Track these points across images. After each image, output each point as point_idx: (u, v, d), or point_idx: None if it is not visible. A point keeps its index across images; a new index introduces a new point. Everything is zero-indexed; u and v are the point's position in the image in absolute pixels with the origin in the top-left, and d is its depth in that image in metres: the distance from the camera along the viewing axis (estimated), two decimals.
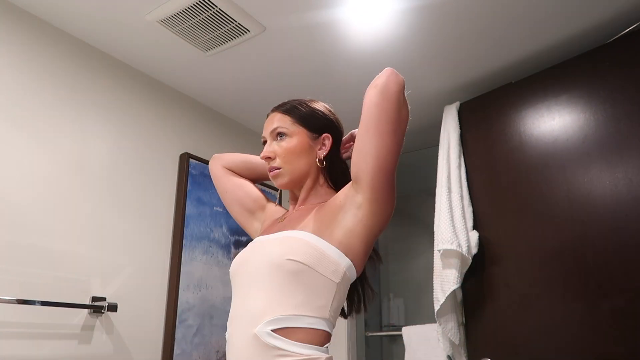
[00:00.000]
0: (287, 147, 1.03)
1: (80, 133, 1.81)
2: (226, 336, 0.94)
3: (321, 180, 1.07)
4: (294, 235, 0.91)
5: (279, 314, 0.84)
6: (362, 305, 1.02)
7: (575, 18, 1.77)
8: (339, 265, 0.88)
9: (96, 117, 1.88)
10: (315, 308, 0.85)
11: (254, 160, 1.22)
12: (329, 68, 2.08)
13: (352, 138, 1.11)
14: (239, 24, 1.77)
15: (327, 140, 1.06)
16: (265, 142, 1.09)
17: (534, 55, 1.99)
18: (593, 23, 1.79)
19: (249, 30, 1.81)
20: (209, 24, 1.77)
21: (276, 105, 1.11)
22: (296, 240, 0.90)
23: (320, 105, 1.11)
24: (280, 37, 1.87)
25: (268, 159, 1.05)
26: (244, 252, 1.00)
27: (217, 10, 1.69)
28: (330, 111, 1.13)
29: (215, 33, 1.82)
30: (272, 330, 0.83)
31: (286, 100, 1.12)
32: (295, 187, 1.07)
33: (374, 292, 1.04)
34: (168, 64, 2.05)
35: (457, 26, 1.82)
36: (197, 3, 1.66)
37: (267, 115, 1.11)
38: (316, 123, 1.07)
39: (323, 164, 1.05)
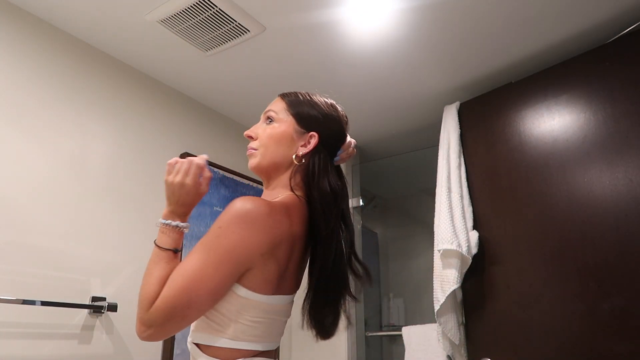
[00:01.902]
0: (270, 132, 0.99)
1: (80, 133, 1.81)
2: None
3: (293, 180, 0.97)
4: None
5: (196, 331, 0.90)
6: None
7: (575, 18, 1.77)
8: (233, 292, 0.86)
9: (96, 117, 1.88)
10: (220, 330, 0.87)
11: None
12: (329, 68, 2.08)
13: (349, 146, 1.06)
14: (239, 24, 1.77)
15: (313, 139, 0.98)
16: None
17: (534, 55, 1.99)
18: (593, 23, 1.79)
19: (249, 30, 1.81)
20: (209, 24, 1.77)
21: (285, 92, 1.07)
22: None
23: (321, 101, 1.04)
24: (280, 37, 1.87)
25: (250, 137, 1.02)
26: None
27: (217, 10, 1.69)
28: (331, 110, 1.04)
29: (215, 33, 1.82)
30: (191, 341, 0.90)
31: (298, 91, 1.06)
32: (263, 174, 1.01)
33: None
34: (168, 64, 2.05)
35: (457, 26, 1.82)
36: (197, 3, 1.66)
37: None
38: (307, 118, 1.00)
39: (301, 161, 0.97)
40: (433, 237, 2.02)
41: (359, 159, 2.89)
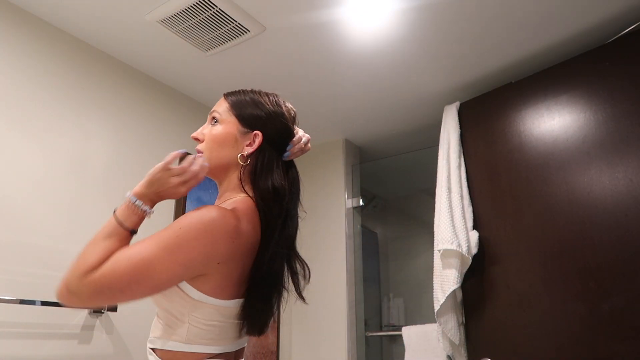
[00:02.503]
0: (213, 134, 0.98)
1: (80, 133, 1.81)
2: None
3: (244, 180, 0.96)
4: None
5: (152, 335, 0.95)
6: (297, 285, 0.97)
7: (575, 18, 1.77)
8: (187, 295, 0.84)
9: (96, 117, 1.88)
10: (174, 334, 0.88)
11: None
12: (329, 68, 2.08)
13: (299, 141, 1.03)
14: (239, 24, 1.77)
15: (257, 138, 0.96)
16: None
17: (534, 55, 1.99)
18: (593, 23, 1.79)
19: (249, 30, 1.81)
20: (209, 24, 1.77)
21: (230, 91, 1.05)
22: None
23: (267, 100, 1.01)
24: (280, 37, 1.87)
25: (197, 139, 1.02)
26: None
27: (217, 10, 1.69)
28: (277, 107, 1.01)
29: (215, 33, 1.82)
30: (149, 347, 0.93)
31: (242, 89, 1.04)
32: (212, 176, 1.01)
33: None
34: (168, 64, 2.05)
35: (457, 26, 1.82)
36: (197, 3, 1.66)
37: None
38: (250, 117, 0.97)
39: (246, 161, 0.96)
40: (433, 237, 2.02)
41: (359, 159, 2.89)
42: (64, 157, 1.74)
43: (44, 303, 1.54)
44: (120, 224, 0.88)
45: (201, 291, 0.83)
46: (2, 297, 1.45)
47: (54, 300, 1.57)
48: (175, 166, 0.94)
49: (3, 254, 1.51)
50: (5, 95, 1.61)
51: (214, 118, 1.01)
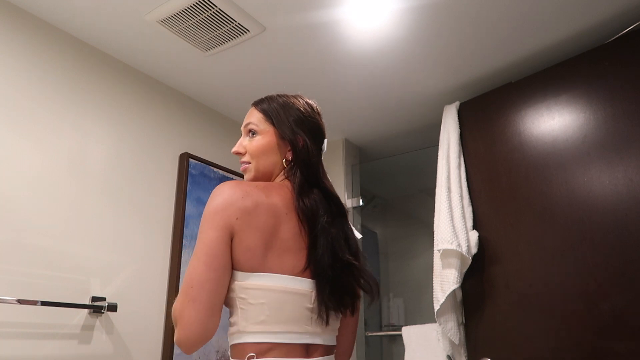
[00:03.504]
0: (256, 145, 1.06)
1: (80, 133, 1.81)
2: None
3: (291, 176, 1.04)
4: None
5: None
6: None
7: (575, 18, 1.77)
8: (233, 279, 0.94)
9: (96, 117, 1.88)
10: (233, 323, 0.95)
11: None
12: (328, 68, 2.08)
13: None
14: (238, 24, 1.77)
15: (297, 141, 1.05)
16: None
17: (533, 55, 1.99)
18: (593, 23, 1.79)
19: (248, 30, 1.81)
20: (208, 24, 1.77)
21: (257, 99, 1.12)
22: None
23: (299, 104, 1.08)
24: (280, 37, 1.87)
25: (238, 154, 1.10)
26: None
27: (217, 10, 1.69)
28: (309, 111, 1.09)
29: (215, 33, 1.82)
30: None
31: (269, 95, 1.11)
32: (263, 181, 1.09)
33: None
34: (168, 64, 2.05)
35: (457, 26, 1.82)
36: (197, 3, 1.66)
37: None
38: (285, 123, 1.05)
39: (290, 164, 1.05)
40: (433, 237, 2.02)
41: (359, 159, 2.89)
42: (63, 157, 1.74)
43: (44, 303, 1.54)
44: None
45: (239, 269, 0.95)
46: (2, 297, 1.45)
47: (54, 300, 1.58)
48: None
49: (3, 254, 1.51)
50: (5, 95, 1.61)
51: (250, 130, 1.09)
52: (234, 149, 1.10)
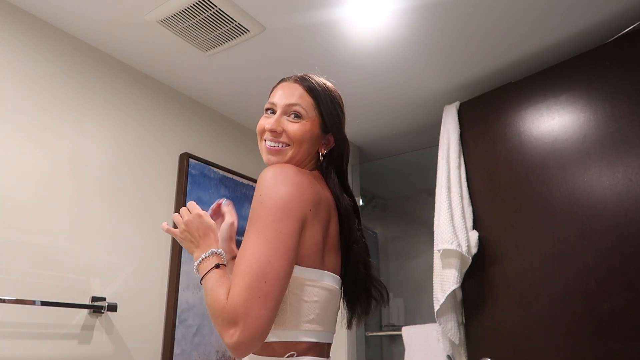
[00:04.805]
0: (301, 130, 0.96)
1: (80, 133, 1.81)
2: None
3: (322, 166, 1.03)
4: None
5: None
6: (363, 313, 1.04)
7: (575, 18, 1.77)
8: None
9: (96, 117, 1.88)
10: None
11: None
12: (328, 68, 2.08)
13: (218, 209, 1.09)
14: (238, 24, 1.77)
15: (331, 139, 1.03)
16: (269, 110, 1.01)
17: (533, 55, 1.99)
18: (593, 23, 1.79)
19: (248, 30, 1.81)
20: (208, 24, 1.77)
21: (299, 75, 1.03)
22: None
23: (341, 102, 1.08)
24: (280, 37, 1.87)
25: (274, 132, 0.96)
26: None
27: (217, 10, 1.69)
28: (342, 106, 1.09)
29: (215, 33, 1.82)
30: None
31: (311, 75, 1.04)
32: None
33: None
34: (168, 64, 2.05)
35: (456, 26, 1.82)
36: (197, 3, 1.66)
37: (283, 80, 1.05)
38: (332, 121, 1.01)
39: (326, 158, 1.03)
40: (433, 237, 2.02)
41: (359, 159, 2.89)
42: (64, 157, 1.74)
43: (44, 303, 1.54)
44: (207, 274, 0.87)
45: (299, 264, 0.88)
46: (2, 297, 1.45)
47: (54, 300, 1.58)
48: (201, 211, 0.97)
49: (3, 254, 1.51)
50: (5, 95, 1.61)
51: (295, 112, 0.98)
52: (271, 126, 0.96)
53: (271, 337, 0.84)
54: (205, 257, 0.89)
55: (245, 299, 0.75)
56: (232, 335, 0.74)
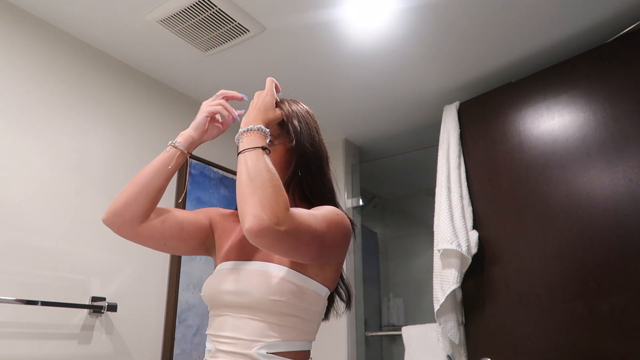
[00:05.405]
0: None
1: (80, 133, 1.81)
2: (208, 351, 0.99)
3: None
4: (273, 272, 0.91)
5: (272, 340, 0.89)
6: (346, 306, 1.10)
7: (575, 18, 1.77)
8: (320, 294, 0.94)
9: (96, 117, 1.88)
10: (303, 334, 0.93)
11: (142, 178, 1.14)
12: (328, 68, 2.08)
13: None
14: (238, 24, 1.77)
15: None
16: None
17: (533, 55, 1.99)
18: (593, 22, 1.79)
19: (248, 30, 1.81)
20: (208, 24, 1.77)
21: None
22: (276, 278, 0.90)
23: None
24: (280, 37, 1.87)
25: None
26: (217, 279, 1.05)
27: (216, 10, 1.69)
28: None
29: (215, 33, 1.82)
30: (267, 353, 0.88)
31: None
32: None
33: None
34: (168, 64, 2.05)
35: (457, 26, 1.82)
36: (196, 3, 1.66)
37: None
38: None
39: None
40: (433, 237, 2.02)
41: (359, 159, 2.89)
42: (64, 157, 1.74)
43: (44, 303, 1.54)
44: (253, 149, 0.91)
45: (326, 286, 0.97)
46: (2, 297, 1.45)
47: (54, 300, 1.58)
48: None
49: (3, 254, 1.51)
50: (6, 95, 1.61)
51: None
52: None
53: (303, 347, 0.93)
54: (254, 130, 0.97)
55: (297, 230, 0.81)
56: (273, 224, 0.77)
